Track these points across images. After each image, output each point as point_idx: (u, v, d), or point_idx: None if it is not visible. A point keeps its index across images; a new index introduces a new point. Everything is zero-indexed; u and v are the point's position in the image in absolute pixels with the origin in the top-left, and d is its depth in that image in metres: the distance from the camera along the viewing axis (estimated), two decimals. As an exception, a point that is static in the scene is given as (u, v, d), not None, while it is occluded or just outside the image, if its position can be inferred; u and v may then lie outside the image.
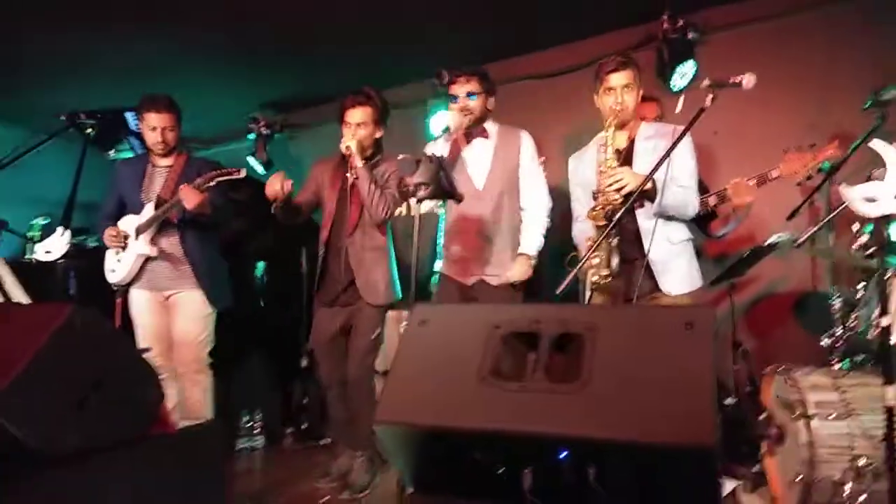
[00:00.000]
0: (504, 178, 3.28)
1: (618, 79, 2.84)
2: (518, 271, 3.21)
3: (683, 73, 3.97)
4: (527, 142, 3.33)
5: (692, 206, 2.84)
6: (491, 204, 3.25)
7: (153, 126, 3.51)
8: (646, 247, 2.72)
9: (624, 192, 2.64)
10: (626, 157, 2.86)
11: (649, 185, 2.64)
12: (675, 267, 2.84)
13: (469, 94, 3.21)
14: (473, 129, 3.29)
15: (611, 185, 2.67)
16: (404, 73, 4.86)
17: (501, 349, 1.46)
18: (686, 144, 2.84)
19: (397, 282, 3.51)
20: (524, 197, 3.31)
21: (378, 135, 3.41)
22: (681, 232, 2.89)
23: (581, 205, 3.05)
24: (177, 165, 3.57)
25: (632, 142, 2.91)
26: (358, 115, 3.31)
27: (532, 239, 3.26)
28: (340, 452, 3.53)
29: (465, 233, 3.26)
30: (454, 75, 3.27)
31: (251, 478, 3.71)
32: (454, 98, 3.25)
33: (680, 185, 2.79)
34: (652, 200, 2.71)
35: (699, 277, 2.92)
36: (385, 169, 3.37)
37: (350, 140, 3.23)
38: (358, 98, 3.33)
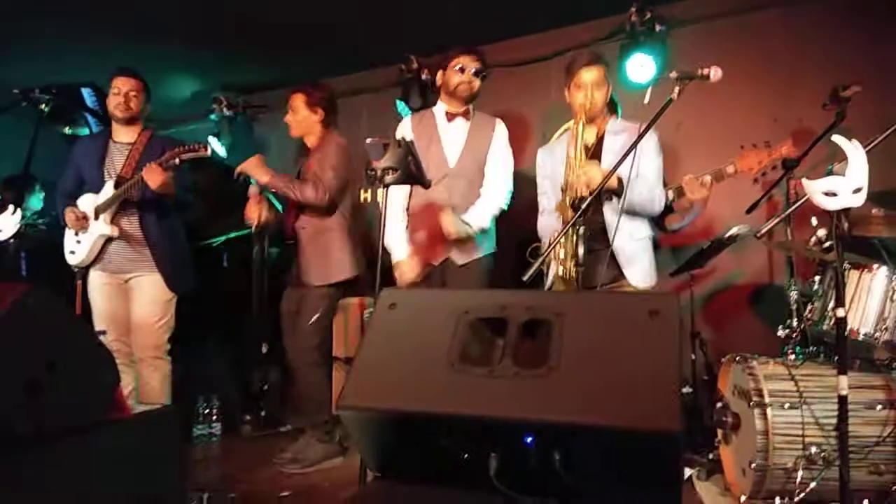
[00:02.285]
0: (475, 160, 3.31)
1: (588, 75, 2.87)
2: (451, 223, 3.15)
3: (642, 65, 3.99)
4: (500, 129, 3.38)
5: (658, 202, 2.89)
6: (461, 183, 3.27)
7: (118, 89, 3.42)
8: (610, 239, 2.76)
9: (592, 186, 2.66)
10: (594, 153, 2.89)
11: (615, 181, 2.67)
12: (638, 261, 2.90)
13: (476, 71, 3.26)
14: (458, 108, 3.32)
15: (580, 179, 2.68)
16: (371, 57, 4.81)
17: (469, 334, 1.45)
18: (652, 142, 2.88)
19: (355, 259, 3.56)
20: (486, 180, 3.33)
21: (315, 117, 3.57)
22: (643, 229, 2.95)
23: (547, 198, 3.07)
24: (138, 143, 3.46)
25: (600, 137, 2.94)
26: (291, 100, 3.58)
27: (478, 213, 3.24)
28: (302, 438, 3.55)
29: (433, 211, 3.25)
30: (462, 50, 3.30)
31: (208, 465, 3.66)
32: (461, 68, 3.26)
33: (646, 182, 2.83)
34: (619, 196, 2.74)
35: (655, 275, 2.99)
36: (316, 157, 3.52)
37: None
38: (293, 87, 3.63)
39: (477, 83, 3.28)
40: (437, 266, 3.28)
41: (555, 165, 3.01)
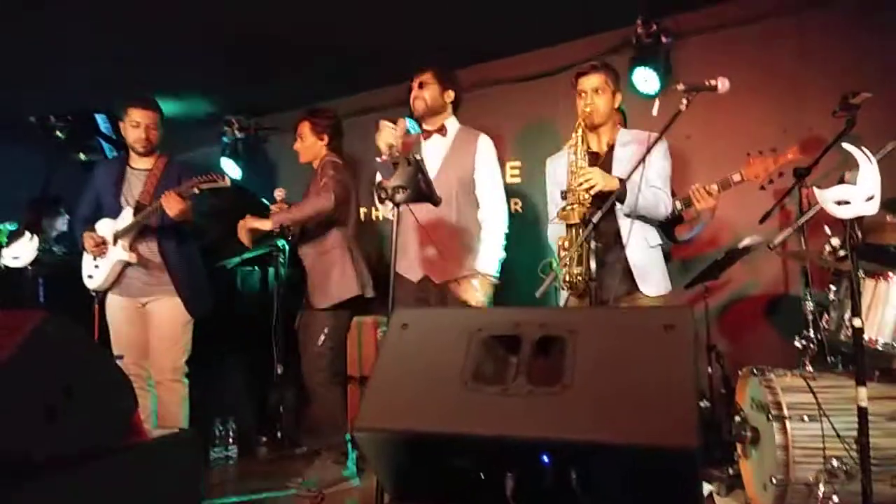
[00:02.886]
0: (454, 177, 3.24)
1: (587, 82, 2.91)
2: (480, 294, 3.15)
3: (646, 79, 4.00)
4: (483, 145, 3.29)
5: (664, 205, 2.89)
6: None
7: (137, 122, 3.45)
8: (625, 248, 2.76)
9: (593, 191, 2.67)
10: (604, 162, 2.90)
11: (618, 185, 2.68)
12: (653, 272, 2.91)
13: (420, 84, 3.28)
14: (432, 125, 3.31)
15: (580, 184, 2.69)
16: (378, 77, 4.85)
17: (483, 353, 1.45)
18: (661, 147, 2.88)
19: (357, 277, 3.57)
20: (482, 206, 3.28)
21: (321, 142, 3.68)
22: (656, 236, 2.96)
23: (556, 206, 3.07)
24: (156, 169, 3.50)
25: (611, 147, 2.95)
26: (300, 128, 3.71)
27: (491, 256, 3.21)
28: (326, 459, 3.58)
29: (411, 228, 3.22)
30: (414, 73, 3.34)
31: (225, 488, 3.65)
32: (410, 89, 3.32)
33: (652, 185, 2.83)
34: (622, 201, 2.74)
35: (669, 283, 3.00)
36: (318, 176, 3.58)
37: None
38: (301, 113, 3.77)
39: (427, 93, 3.26)
40: (417, 283, 3.26)
41: (561, 173, 3.02)
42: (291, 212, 3.44)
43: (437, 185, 3.09)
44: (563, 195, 2.77)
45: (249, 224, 3.41)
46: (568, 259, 2.69)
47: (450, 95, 3.31)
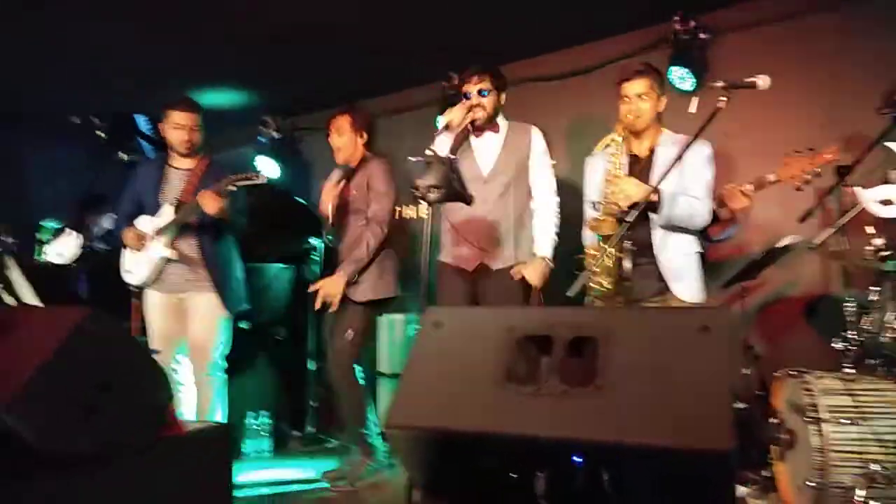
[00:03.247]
0: (511, 167, 3.30)
1: (632, 88, 2.85)
2: (536, 273, 3.20)
3: (683, 76, 3.94)
4: (537, 136, 3.36)
5: (701, 217, 2.83)
6: (496, 189, 3.26)
7: (178, 124, 3.51)
8: (656, 255, 2.74)
9: (627, 203, 2.63)
10: (646, 166, 2.86)
11: (655, 196, 2.64)
12: (686, 276, 2.86)
13: (481, 92, 3.23)
14: (485, 125, 3.32)
15: (615, 194, 2.66)
16: (416, 75, 4.86)
17: (515, 352, 1.45)
18: (703, 155, 2.83)
19: (394, 277, 3.62)
20: (535, 192, 3.34)
21: (360, 140, 3.62)
22: (690, 244, 2.90)
23: (591, 210, 3.05)
24: (197, 169, 3.56)
25: (652, 151, 2.91)
26: (336, 122, 3.61)
27: (547, 239, 3.27)
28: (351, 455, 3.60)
29: (468, 218, 3.26)
30: (467, 74, 3.29)
31: (259, 482, 3.70)
32: (467, 96, 3.26)
33: (692, 195, 2.78)
34: (656, 211, 2.71)
35: (704, 291, 2.94)
36: (360, 177, 3.57)
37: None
38: (337, 109, 3.67)
39: (488, 99, 3.25)
40: (472, 272, 3.28)
41: (594, 178, 3.00)
42: (358, 260, 3.47)
43: (495, 177, 3.28)
44: (595, 206, 2.75)
45: (332, 291, 3.43)
46: (597, 268, 2.67)
47: (503, 97, 3.34)
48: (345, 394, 3.55)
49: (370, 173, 3.55)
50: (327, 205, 3.59)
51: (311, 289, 3.47)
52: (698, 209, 2.81)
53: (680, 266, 2.84)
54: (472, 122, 3.26)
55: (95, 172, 3.72)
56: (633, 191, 2.63)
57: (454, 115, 3.12)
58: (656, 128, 2.94)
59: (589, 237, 3.05)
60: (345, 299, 3.48)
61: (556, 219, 3.32)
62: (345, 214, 3.59)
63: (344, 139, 3.58)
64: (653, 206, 2.70)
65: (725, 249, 3.69)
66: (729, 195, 2.98)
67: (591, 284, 2.77)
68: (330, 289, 3.42)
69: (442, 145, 2.97)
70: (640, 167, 2.83)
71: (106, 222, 4.92)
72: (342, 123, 3.58)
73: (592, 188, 3.03)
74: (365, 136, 3.62)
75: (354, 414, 3.55)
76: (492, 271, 3.26)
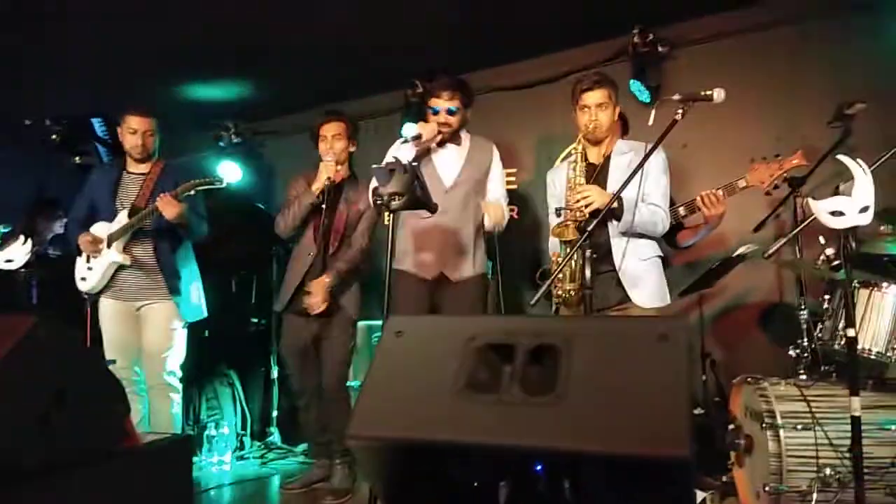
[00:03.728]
0: (472, 180, 3.31)
1: (592, 97, 2.88)
2: (495, 211, 3.20)
3: (643, 88, 4.02)
4: (496, 154, 3.40)
5: (662, 224, 2.88)
6: (458, 200, 3.27)
7: (133, 129, 3.46)
8: (616, 262, 2.77)
9: (590, 209, 2.67)
10: (600, 173, 2.90)
11: (616, 203, 2.67)
12: (645, 282, 2.88)
13: (450, 110, 3.23)
14: (447, 138, 3.31)
15: (577, 202, 2.69)
16: (378, 82, 4.85)
17: (477, 361, 1.45)
18: (659, 162, 2.88)
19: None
20: (488, 195, 3.35)
21: (351, 149, 3.53)
22: (650, 249, 2.94)
23: (555, 219, 3.08)
24: (152, 173, 3.51)
25: (607, 158, 2.95)
26: (333, 128, 3.44)
27: (498, 191, 3.32)
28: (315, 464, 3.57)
29: (428, 228, 3.25)
30: (437, 88, 3.29)
31: (219, 493, 3.64)
32: (434, 109, 3.26)
33: (651, 202, 2.83)
34: (618, 219, 2.74)
35: (667, 294, 2.97)
36: (363, 201, 3.46)
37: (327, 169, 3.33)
38: (331, 114, 3.50)
39: (456, 118, 3.26)
40: (430, 281, 3.27)
41: (561, 187, 3.03)
42: (348, 271, 3.43)
43: (457, 189, 3.28)
44: (558, 212, 2.78)
45: (321, 291, 3.34)
46: (561, 275, 2.70)
47: (468, 112, 3.34)
48: (338, 404, 3.48)
49: (364, 200, 3.46)
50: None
51: (308, 289, 3.35)
52: (660, 215, 2.86)
53: (639, 272, 2.87)
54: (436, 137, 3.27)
55: (45, 176, 3.62)
56: (596, 197, 2.66)
57: (426, 131, 3.11)
58: (611, 136, 2.99)
59: (553, 247, 3.08)
60: (337, 312, 3.44)
61: (505, 202, 3.34)
62: (337, 221, 3.49)
63: (341, 145, 3.45)
64: (614, 213, 2.74)
65: (683, 255, 3.75)
66: (706, 201, 3.04)
67: (558, 291, 2.80)
68: (318, 289, 3.33)
69: (404, 154, 2.97)
70: (595, 174, 2.88)
71: (57, 227, 4.80)
72: (338, 129, 3.46)
73: (556, 198, 3.06)
74: (354, 145, 3.54)
75: (343, 423, 3.49)
76: (451, 282, 3.26)
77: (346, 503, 3.32)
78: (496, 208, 3.22)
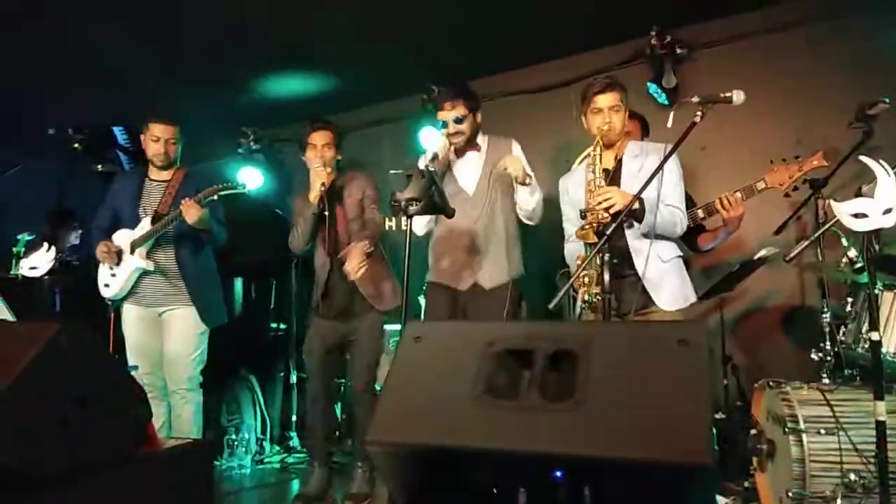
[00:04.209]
0: (496, 183, 3.25)
1: (605, 100, 2.86)
2: (512, 165, 3.08)
3: (660, 90, 4.00)
4: (517, 149, 3.34)
5: (680, 224, 2.86)
6: (483, 208, 3.23)
7: (157, 137, 3.51)
8: (638, 266, 2.75)
9: (612, 210, 2.64)
10: (613, 177, 2.87)
11: (637, 204, 2.65)
12: (667, 284, 2.85)
13: (456, 119, 3.21)
14: (465, 145, 3.30)
15: (599, 203, 2.67)
16: (394, 87, 4.87)
17: (495, 367, 1.45)
18: (673, 162, 2.85)
19: (396, 287, 3.56)
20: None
21: (338, 157, 3.53)
22: (670, 250, 2.91)
23: (572, 224, 3.06)
24: (175, 180, 3.56)
25: (619, 161, 2.93)
26: (323, 137, 3.45)
27: (533, 191, 3.20)
28: (311, 473, 3.51)
29: (457, 238, 3.24)
30: (440, 101, 3.27)
31: (240, 497, 3.67)
32: (442, 123, 3.25)
33: (668, 203, 2.81)
34: (640, 220, 2.72)
35: (692, 294, 2.93)
36: (354, 189, 3.48)
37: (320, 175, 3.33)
38: (320, 123, 3.51)
39: (465, 125, 3.23)
40: (464, 291, 3.25)
41: (576, 191, 3.01)
42: (368, 234, 3.40)
43: (481, 195, 3.23)
44: (583, 214, 2.75)
45: (358, 254, 3.26)
46: (587, 279, 2.68)
47: (478, 116, 3.31)
48: (364, 407, 3.47)
49: (363, 185, 3.51)
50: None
51: (343, 254, 3.30)
52: (677, 215, 2.84)
53: (661, 274, 2.84)
54: (454, 146, 3.26)
55: (67, 184, 3.67)
56: (618, 199, 2.63)
57: (438, 147, 3.11)
58: (622, 139, 2.97)
59: (571, 252, 3.06)
60: (366, 313, 3.45)
61: (540, 193, 3.25)
62: (345, 222, 3.49)
63: (331, 154, 3.46)
64: (636, 215, 2.72)
65: (704, 258, 3.72)
66: (724, 203, 3.01)
67: (584, 296, 2.76)
68: (354, 262, 3.22)
69: (399, 184, 2.94)
70: (608, 178, 2.85)
71: (73, 238, 4.86)
72: (328, 138, 3.47)
73: (570, 205, 3.04)
74: (340, 154, 3.54)
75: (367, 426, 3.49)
76: (484, 290, 3.21)
77: None
78: (513, 160, 3.10)
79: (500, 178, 3.26)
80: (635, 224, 2.75)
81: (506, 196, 3.28)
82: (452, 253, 3.27)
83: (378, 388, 3.51)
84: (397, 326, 4.15)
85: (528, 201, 3.18)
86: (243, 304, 4.68)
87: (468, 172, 3.31)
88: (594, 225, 2.66)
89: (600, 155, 2.82)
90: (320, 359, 3.48)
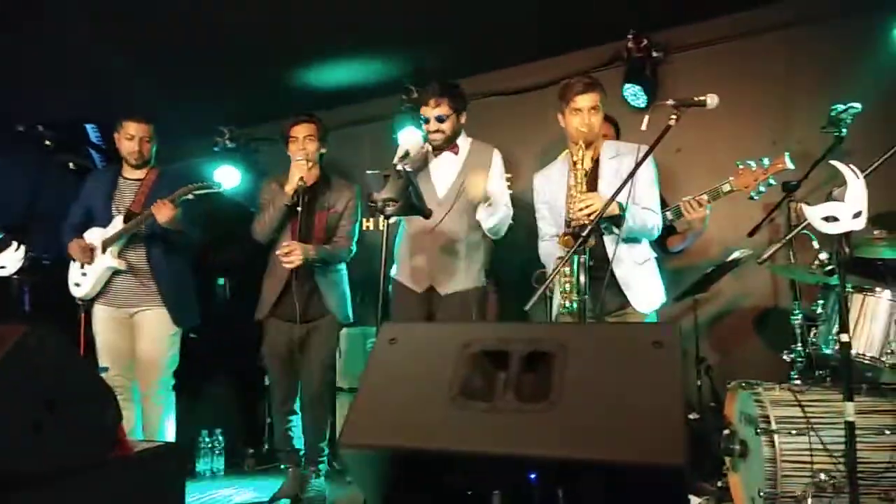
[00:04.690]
0: (467, 189, 3.18)
1: (585, 100, 2.86)
2: (473, 186, 3.07)
3: (636, 93, 4.02)
4: (497, 160, 3.30)
5: (656, 226, 2.89)
6: (452, 213, 3.20)
7: (131, 135, 3.46)
8: (614, 268, 2.74)
9: (594, 217, 2.62)
10: (591, 177, 2.87)
11: (617, 209, 2.66)
12: (642, 286, 2.89)
13: (439, 117, 3.19)
14: (443, 145, 3.27)
15: (581, 209, 2.66)
16: (373, 87, 4.85)
17: (471, 368, 1.44)
18: (647, 165, 2.86)
19: (350, 303, 3.56)
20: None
21: (322, 150, 3.45)
22: (645, 251, 2.95)
23: (547, 223, 3.07)
24: (148, 179, 3.51)
25: (596, 161, 2.94)
26: (305, 129, 3.37)
27: (493, 186, 3.16)
28: (286, 475, 3.50)
29: (419, 239, 3.22)
30: (425, 96, 3.24)
31: (213, 500, 3.62)
32: (424, 119, 3.23)
33: (643, 206, 2.83)
34: (619, 225, 2.72)
35: (663, 294, 2.98)
36: (339, 201, 3.44)
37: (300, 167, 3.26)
38: (302, 116, 3.44)
39: (447, 124, 3.20)
40: (420, 294, 3.23)
41: (553, 192, 3.01)
42: (333, 254, 3.40)
43: (451, 199, 3.18)
44: (568, 223, 2.75)
45: (298, 252, 3.22)
46: (568, 285, 2.68)
47: (463, 117, 3.28)
48: (320, 410, 3.47)
49: (348, 198, 3.46)
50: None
51: (283, 246, 3.23)
52: (654, 219, 2.87)
53: (635, 276, 2.87)
54: (431, 144, 3.23)
55: (39, 182, 3.59)
56: (599, 203, 2.63)
57: (411, 146, 3.00)
58: (599, 139, 2.98)
59: (546, 251, 3.06)
60: (323, 317, 3.42)
61: (503, 216, 3.18)
62: (317, 226, 3.43)
63: (313, 147, 3.36)
64: (615, 220, 2.72)
65: (680, 260, 3.75)
66: (686, 206, 3.05)
67: (564, 302, 2.75)
68: (296, 258, 3.19)
69: (377, 184, 2.94)
70: (586, 178, 2.84)
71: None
72: (311, 130, 3.38)
73: (549, 200, 3.04)
74: (325, 147, 3.47)
75: (320, 430, 3.47)
76: (441, 296, 3.20)
77: None
78: (474, 182, 3.06)
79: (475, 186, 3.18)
80: (614, 229, 2.76)
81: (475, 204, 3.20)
82: (413, 254, 3.25)
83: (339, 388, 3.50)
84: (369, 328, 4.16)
85: (486, 220, 3.14)
86: (218, 305, 4.63)
87: (443, 174, 3.28)
88: (574, 229, 2.66)
89: (582, 158, 2.82)
90: (283, 361, 3.44)
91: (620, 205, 2.68)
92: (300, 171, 3.24)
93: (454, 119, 3.23)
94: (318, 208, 3.40)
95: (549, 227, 3.04)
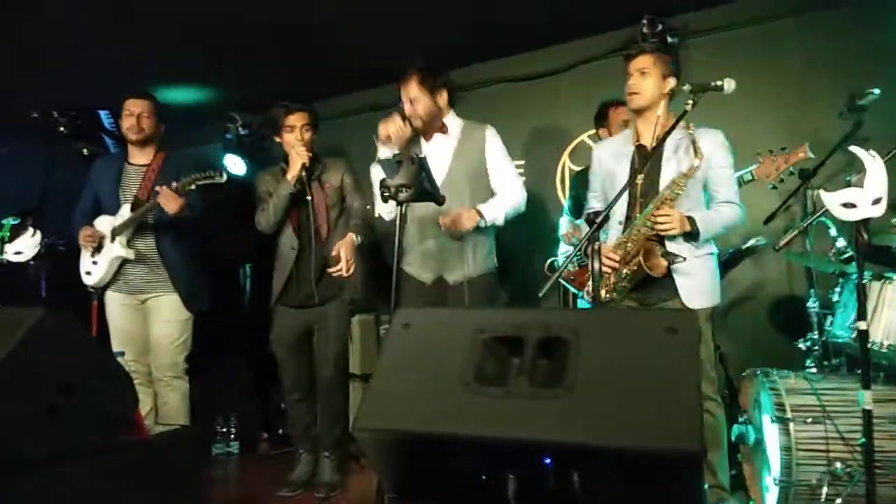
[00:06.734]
0: (466, 174, 3.08)
1: (634, 64, 2.69)
2: (463, 215, 2.94)
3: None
4: (491, 136, 3.14)
5: (736, 220, 2.68)
6: (450, 198, 2.93)
7: (130, 111, 3.45)
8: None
9: (667, 234, 2.55)
10: (652, 158, 2.66)
11: (691, 227, 2.55)
12: (697, 280, 2.65)
13: (411, 99, 3.06)
14: (429, 129, 3.13)
15: (657, 221, 2.54)
16: (378, 76, 4.83)
17: (485, 354, 1.44)
18: (720, 146, 2.67)
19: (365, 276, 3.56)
20: (496, 185, 3.12)
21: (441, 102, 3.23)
22: (704, 245, 2.68)
23: (596, 199, 2.90)
24: (154, 164, 3.50)
25: (660, 141, 2.58)
26: (301, 118, 3.39)
27: (495, 205, 3.04)
28: (299, 460, 3.53)
29: (423, 228, 3.11)
30: (402, 79, 3.10)
31: (226, 485, 3.66)
32: (404, 102, 3.12)
33: (722, 199, 2.66)
34: (696, 239, 2.60)
35: (718, 293, 2.75)
36: (332, 175, 3.45)
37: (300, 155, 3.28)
38: (295, 105, 3.43)
39: (420, 107, 3.04)
40: (428, 284, 3.10)
41: (614, 170, 2.80)
42: (358, 223, 3.39)
43: (449, 183, 3.00)
44: (627, 217, 2.67)
45: (349, 251, 3.19)
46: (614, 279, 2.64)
47: (442, 97, 3.11)
48: (333, 395, 3.47)
49: (342, 171, 3.48)
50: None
51: (335, 251, 3.18)
52: (732, 215, 2.66)
53: (692, 266, 2.62)
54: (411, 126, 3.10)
55: (52, 168, 3.60)
56: (678, 224, 2.52)
57: (391, 129, 2.96)
58: (665, 115, 2.68)
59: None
60: (331, 302, 3.41)
61: (517, 203, 3.09)
62: (326, 208, 3.42)
63: (310, 135, 3.40)
64: (692, 236, 2.59)
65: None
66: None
67: (612, 292, 2.66)
68: (349, 251, 3.18)
69: (385, 154, 2.89)
70: (646, 159, 2.65)
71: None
72: (307, 119, 3.41)
73: (602, 175, 2.88)
74: (315, 135, 3.48)
75: (335, 415, 3.49)
76: (447, 285, 3.08)
77: (337, 497, 3.30)
78: (457, 222, 2.95)
79: (470, 170, 3.10)
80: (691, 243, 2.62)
81: (476, 189, 3.09)
82: (418, 243, 3.13)
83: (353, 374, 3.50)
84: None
85: (499, 217, 3.05)
86: (230, 291, 4.65)
87: (437, 159, 3.05)
88: (629, 240, 2.59)
89: (636, 131, 2.72)
90: (290, 348, 3.46)
91: (693, 220, 2.55)
92: (302, 158, 3.27)
93: (427, 100, 3.06)
94: (315, 191, 3.41)
95: (595, 201, 2.89)
